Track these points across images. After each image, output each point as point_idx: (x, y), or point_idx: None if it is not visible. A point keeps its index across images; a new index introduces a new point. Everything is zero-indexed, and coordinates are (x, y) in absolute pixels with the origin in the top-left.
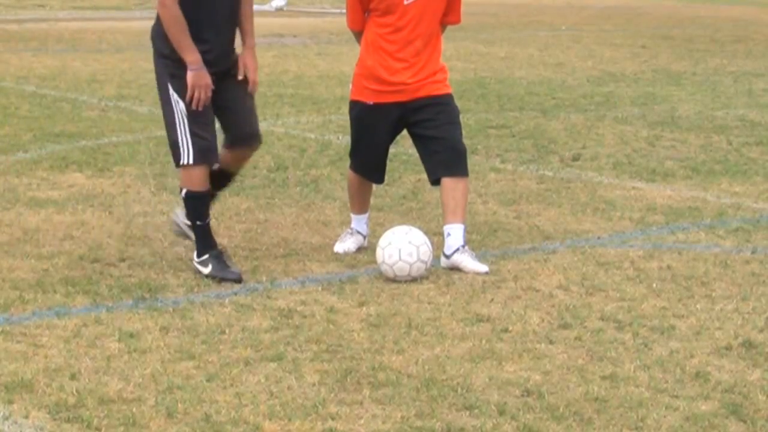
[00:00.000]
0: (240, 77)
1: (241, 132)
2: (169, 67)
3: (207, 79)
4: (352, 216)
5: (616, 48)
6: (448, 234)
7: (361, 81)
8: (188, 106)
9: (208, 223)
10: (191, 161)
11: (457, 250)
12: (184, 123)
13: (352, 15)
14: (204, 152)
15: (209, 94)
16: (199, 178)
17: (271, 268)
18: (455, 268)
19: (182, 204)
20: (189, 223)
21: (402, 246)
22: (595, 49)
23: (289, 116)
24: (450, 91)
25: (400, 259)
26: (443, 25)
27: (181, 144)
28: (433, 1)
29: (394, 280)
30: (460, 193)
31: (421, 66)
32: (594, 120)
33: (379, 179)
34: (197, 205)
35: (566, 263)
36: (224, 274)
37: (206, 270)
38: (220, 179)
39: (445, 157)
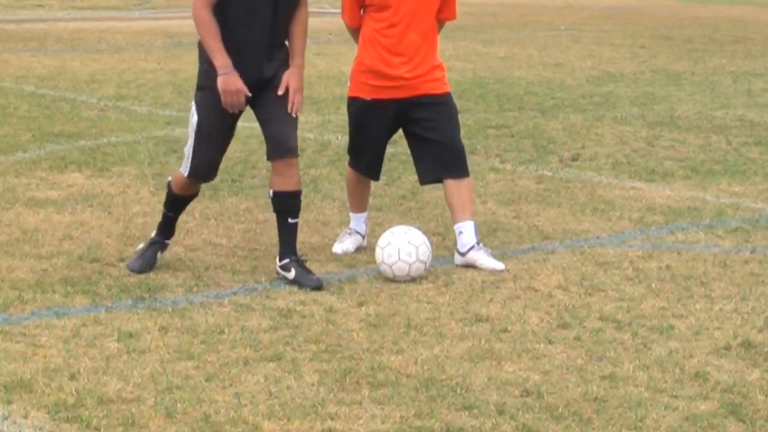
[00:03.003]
0: (280, 92)
1: (275, 144)
2: (201, 77)
3: (238, 84)
4: (351, 215)
5: (616, 48)
6: (460, 232)
7: (359, 77)
8: (200, 122)
9: (172, 218)
10: (186, 173)
11: (473, 247)
12: (193, 136)
13: (349, 11)
14: (198, 171)
15: (242, 99)
16: (183, 185)
17: (270, 268)
18: (470, 266)
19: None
20: (281, 267)
21: (401, 246)
22: (595, 49)
23: None
24: (449, 89)
25: (399, 259)
26: (439, 22)
27: (186, 154)
28: None
29: (393, 280)
30: (464, 190)
31: (419, 61)
32: (593, 120)
33: (376, 176)
34: (171, 200)
35: (565, 263)
36: (140, 266)
37: (140, 246)
38: (278, 203)
39: (445, 158)
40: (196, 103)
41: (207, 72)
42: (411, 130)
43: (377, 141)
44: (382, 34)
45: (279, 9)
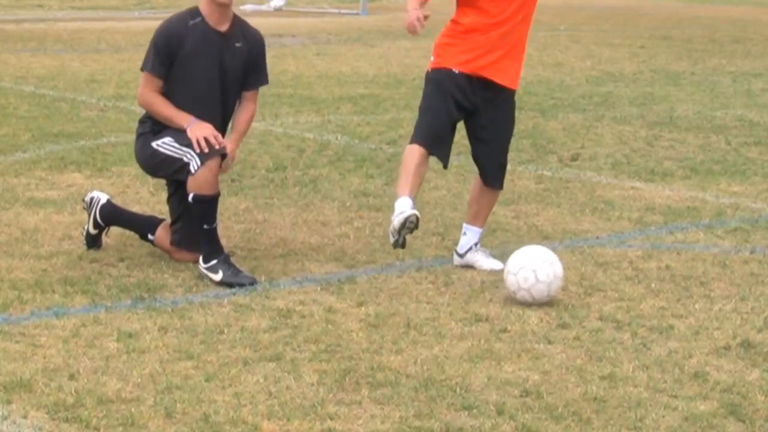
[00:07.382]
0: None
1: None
2: (149, 134)
3: (205, 125)
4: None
5: (615, 48)
6: (464, 233)
7: (442, 49)
8: (172, 137)
9: (215, 228)
10: (199, 162)
11: (471, 248)
12: (174, 146)
13: None
14: (203, 153)
15: (212, 132)
16: (205, 180)
17: (270, 268)
18: (469, 267)
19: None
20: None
21: (537, 267)
22: (594, 49)
23: (288, 116)
24: (516, 86)
25: (537, 280)
26: None
27: (184, 159)
28: None
29: (531, 303)
30: (487, 200)
31: (504, 53)
32: (593, 120)
33: (444, 156)
34: (205, 208)
35: (565, 263)
36: (238, 279)
37: (217, 276)
38: None
39: (486, 165)
40: (158, 138)
41: (155, 126)
42: (469, 125)
43: (447, 114)
44: (479, 18)
45: (228, 97)
